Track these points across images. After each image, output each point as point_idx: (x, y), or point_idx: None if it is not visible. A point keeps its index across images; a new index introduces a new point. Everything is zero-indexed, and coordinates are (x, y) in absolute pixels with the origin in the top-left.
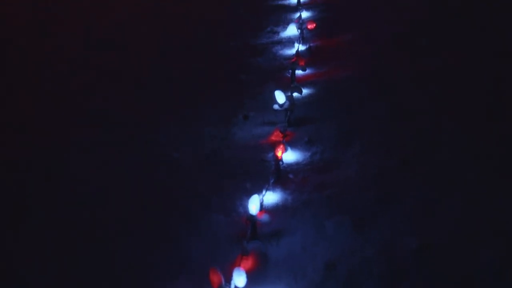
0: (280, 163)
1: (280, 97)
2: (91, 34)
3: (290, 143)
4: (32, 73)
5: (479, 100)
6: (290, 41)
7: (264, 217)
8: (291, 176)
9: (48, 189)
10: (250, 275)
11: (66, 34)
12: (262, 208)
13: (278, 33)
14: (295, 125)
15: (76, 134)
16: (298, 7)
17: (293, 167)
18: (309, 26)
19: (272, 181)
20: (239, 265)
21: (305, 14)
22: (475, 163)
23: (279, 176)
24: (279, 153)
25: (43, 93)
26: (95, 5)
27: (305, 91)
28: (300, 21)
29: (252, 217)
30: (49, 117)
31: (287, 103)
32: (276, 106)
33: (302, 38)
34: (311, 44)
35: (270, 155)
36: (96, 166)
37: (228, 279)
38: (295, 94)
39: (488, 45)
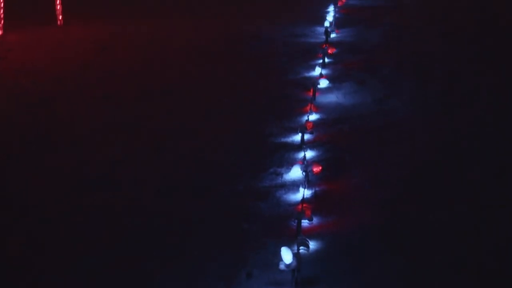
0: None
1: (286, 256)
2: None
3: None
4: None
5: None
6: (294, 185)
7: None
8: None
9: None
10: None
11: None
12: None
13: (281, 175)
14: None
15: None
16: (302, 146)
17: None
18: (315, 170)
19: None
20: None
21: (309, 154)
22: None
23: None
24: None
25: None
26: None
27: (312, 245)
28: (305, 163)
29: None
30: None
31: (294, 263)
32: (282, 266)
33: (307, 182)
34: (317, 189)
35: None
36: None
37: None
38: (301, 250)
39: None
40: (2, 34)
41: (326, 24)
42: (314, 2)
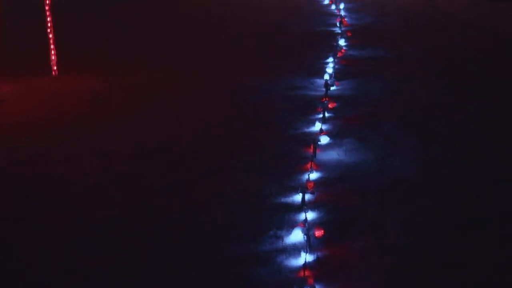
0: None
1: None
2: None
3: None
4: None
5: None
6: (295, 249)
7: None
8: None
9: None
10: None
11: None
12: None
13: (282, 238)
14: None
15: None
16: (302, 207)
17: None
18: (317, 233)
19: None
20: None
21: (310, 215)
22: None
23: None
24: None
25: None
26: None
27: None
28: (306, 225)
29: None
30: None
31: None
32: None
33: (309, 246)
34: (319, 254)
35: None
36: None
37: None
38: None
39: None
40: None
41: (326, 76)
42: (312, 53)
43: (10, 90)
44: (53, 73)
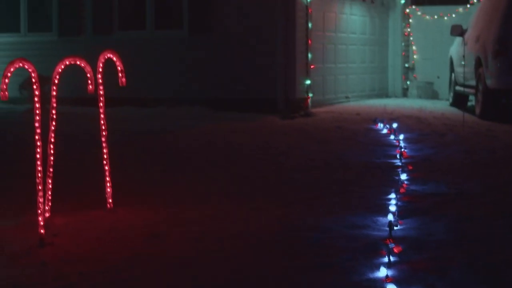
0: None
1: None
2: None
3: None
4: None
5: None
6: None
7: None
8: None
9: None
10: None
11: None
12: None
13: None
14: None
15: None
16: None
17: None
18: None
19: None
20: None
21: None
22: None
23: None
24: None
25: None
26: None
27: None
28: None
29: None
30: None
31: None
32: None
33: None
34: None
35: None
36: None
37: None
38: None
39: None
40: (49, 217)
41: (390, 216)
42: (374, 187)
43: (63, 223)
44: (108, 205)
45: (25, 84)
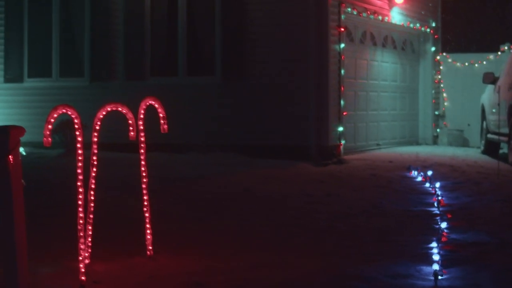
0: None
1: None
2: None
3: None
4: None
5: None
6: None
7: None
8: None
9: None
10: None
11: None
12: None
13: None
14: None
15: None
16: None
17: None
18: None
19: None
20: None
21: None
22: None
23: None
24: None
25: None
26: None
27: None
28: None
29: None
30: None
31: None
32: None
33: None
34: None
35: None
36: None
37: None
38: None
39: None
40: (89, 263)
41: (435, 266)
42: (414, 235)
43: (104, 271)
44: (148, 253)
45: (57, 129)
